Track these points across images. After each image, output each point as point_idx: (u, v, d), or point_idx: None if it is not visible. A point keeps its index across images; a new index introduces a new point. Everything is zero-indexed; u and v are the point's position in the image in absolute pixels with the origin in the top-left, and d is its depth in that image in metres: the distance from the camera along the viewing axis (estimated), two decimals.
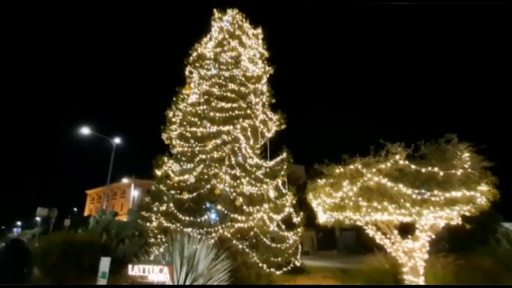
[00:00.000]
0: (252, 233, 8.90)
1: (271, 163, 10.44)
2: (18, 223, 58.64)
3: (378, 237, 7.41)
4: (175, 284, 5.95)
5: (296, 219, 10.52)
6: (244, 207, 8.45)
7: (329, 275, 11.23)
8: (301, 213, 10.44)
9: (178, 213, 8.71)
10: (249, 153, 9.89)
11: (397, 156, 5.74)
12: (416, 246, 6.69)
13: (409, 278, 6.77)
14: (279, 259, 9.73)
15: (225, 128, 9.67)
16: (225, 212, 8.44)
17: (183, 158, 10.02)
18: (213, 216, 9.49)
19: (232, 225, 8.30)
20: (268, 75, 12.56)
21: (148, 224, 9.34)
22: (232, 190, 8.79)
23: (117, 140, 23.11)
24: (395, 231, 6.96)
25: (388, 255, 9.71)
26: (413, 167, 5.65)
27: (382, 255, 9.83)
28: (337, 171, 6.59)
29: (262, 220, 9.06)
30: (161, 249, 7.89)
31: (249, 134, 10.34)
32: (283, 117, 11.89)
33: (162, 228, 9.10)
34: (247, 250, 8.41)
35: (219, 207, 8.54)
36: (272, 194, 10.10)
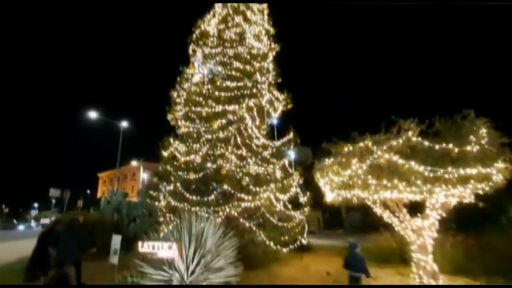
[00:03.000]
0: (259, 212, 8.96)
1: (277, 143, 10.29)
2: (35, 205, 61.19)
3: (386, 216, 7.32)
4: (184, 258, 6.04)
5: (303, 199, 10.52)
6: (251, 187, 8.43)
7: (333, 252, 11.39)
8: (308, 193, 10.42)
9: (185, 193, 8.78)
10: (255, 133, 9.73)
11: (410, 133, 5.49)
12: (426, 224, 6.59)
13: (417, 256, 6.73)
14: (286, 237, 9.87)
15: (231, 108, 9.46)
16: (232, 191, 8.45)
17: (189, 139, 9.95)
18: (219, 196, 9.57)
19: (239, 205, 8.33)
20: (274, 53, 12.09)
21: (156, 203, 9.48)
22: (238, 170, 8.74)
23: (124, 124, 23.28)
24: (404, 210, 6.85)
25: (395, 234, 9.70)
26: (426, 143, 5.41)
27: (389, 234, 9.84)
28: (346, 149, 6.41)
29: (269, 200, 9.07)
30: (170, 227, 8.03)
31: (255, 113, 10.13)
32: (289, 96, 11.59)
33: (171, 207, 9.23)
34: (254, 229, 8.50)
35: (225, 187, 8.54)
36: (278, 174, 10.05)
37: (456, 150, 5.25)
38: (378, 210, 7.56)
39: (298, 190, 10.17)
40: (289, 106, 11.67)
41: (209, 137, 9.36)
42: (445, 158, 5.38)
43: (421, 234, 6.57)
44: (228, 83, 10.01)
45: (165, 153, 10.24)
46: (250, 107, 9.80)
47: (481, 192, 5.55)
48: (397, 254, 9.11)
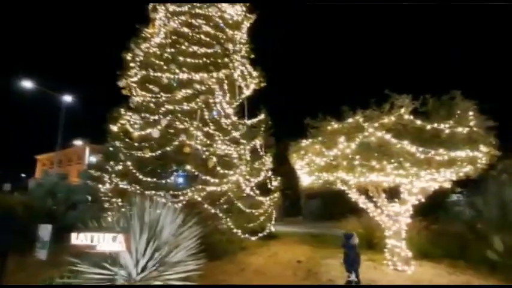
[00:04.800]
0: (225, 197, 7.97)
1: (249, 122, 9.31)
2: None
3: (362, 201, 6.98)
4: (133, 252, 4.91)
5: (273, 184, 9.85)
6: (218, 168, 7.35)
7: (298, 239, 11.11)
8: (279, 178, 9.77)
9: (138, 174, 7.35)
10: (225, 109, 8.57)
11: (402, 110, 4.98)
12: (403, 210, 6.36)
13: (391, 242, 6.53)
14: (253, 225, 9.13)
15: (198, 76, 8.09)
16: (196, 173, 7.28)
17: (145, 110, 8.34)
18: (180, 179, 8.33)
19: (203, 189, 7.22)
20: (249, 24, 10.87)
21: (100, 186, 7.85)
22: (204, 149, 7.55)
23: (67, 98, 19.91)
24: (383, 195, 6.53)
25: (362, 219, 9.61)
26: (418, 122, 4.97)
27: (356, 220, 9.75)
28: (332, 126, 5.74)
29: (238, 184, 8.15)
30: (117, 215, 6.65)
31: (226, 87, 8.92)
32: (263, 74, 10.59)
33: (119, 191, 7.72)
34: (220, 215, 7.51)
35: (188, 167, 7.32)
36: (248, 156, 9.14)
37: (447, 131, 4.91)
38: (354, 195, 7.16)
39: (270, 174, 9.40)
40: (263, 84, 10.71)
41: (170, 107, 7.91)
42: (433, 140, 5.02)
43: (398, 219, 6.34)
44: (196, 48, 8.56)
45: (114, 127, 8.51)
46: (220, 79, 8.55)
47: (463, 176, 5.37)
48: (364, 240, 9.00)
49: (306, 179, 6.60)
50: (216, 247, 6.77)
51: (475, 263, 6.53)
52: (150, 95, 8.34)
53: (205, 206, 7.25)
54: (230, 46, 9.39)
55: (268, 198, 9.71)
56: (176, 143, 7.39)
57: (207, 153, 7.44)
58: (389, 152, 4.92)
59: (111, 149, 8.53)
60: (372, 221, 8.84)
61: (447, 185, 5.75)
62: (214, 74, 8.17)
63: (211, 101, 8.15)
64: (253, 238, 8.53)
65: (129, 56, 8.79)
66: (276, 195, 9.73)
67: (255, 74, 10.36)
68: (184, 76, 8.02)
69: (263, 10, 11.22)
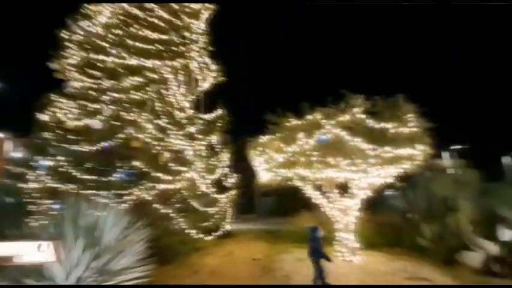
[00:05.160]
0: (178, 195, 7.42)
1: (206, 117, 8.86)
2: None
3: (315, 197, 7.25)
4: (66, 262, 4.21)
5: (229, 182, 9.58)
6: (172, 165, 6.78)
7: (253, 236, 11.11)
8: (237, 175, 9.55)
9: (74, 171, 6.34)
10: (180, 101, 7.97)
11: (356, 109, 5.26)
12: (353, 204, 6.77)
13: (340, 235, 6.91)
14: (208, 224, 8.75)
15: (149, 63, 7.33)
16: (145, 170, 6.58)
17: (84, 97, 7.22)
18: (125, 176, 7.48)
19: (154, 187, 6.59)
20: (208, 14, 10.35)
21: (24, 185, 6.57)
22: (156, 143, 6.89)
23: None
24: (336, 190, 6.87)
25: (316, 215, 10.11)
26: (369, 121, 5.31)
27: (310, 215, 10.20)
28: (288, 124, 5.77)
29: (192, 181, 7.67)
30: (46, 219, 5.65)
31: (181, 78, 8.31)
32: (222, 69, 10.22)
33: (49, 191, 6.56)
34: (173, 215, 6.96)
35: (136, 163, 6.58)
36: (204, 152, 8.70)
37: (392, 130, 5.35)
38: (309, 191, 7.39)
39: (227, 171, 9.11)
40: (221, 79, 10.32)
41: (116, 95, 7.00)
42: (381, 138, 5.42)
43: (348, 213, 6.74)
44: (149, 32, 7.75)
45: (43, 116, 7.20)
46: (175, 68, 7.91)
47: (404, 172, 5.93)
48: None
49: (264, 176, 6.54)
50: (167, 250, 6.25)
51: (408, 249, 7.30)
52: (90, 81, 7.26)
53: (156, 205, 6.63)
54: (187, 34, 8.79)
55: (224, 196, 9.44)
56: (122, 135, 6.58)
57: (158, 148, 6.80)
58: (343, 148, 5.15)
59: (39, 141, 7.21)
60: (323, 215, 9.36)
61: (390, 180, 6.30)
62: (169, 63, 7.52)
63: (164, 91, 7.48)
64: (208, 238, 8.16)
65: (65, 35, 7.53)
66: (233, 192, 9.50)
67: (213, 67, 9.93)
68: (133, 62, 7.18)
69: (226, 3, 10.84)
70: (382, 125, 5.33)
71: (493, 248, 5.53)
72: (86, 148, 6.47)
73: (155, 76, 7.33)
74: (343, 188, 7.16)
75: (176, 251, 6.97)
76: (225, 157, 9.67)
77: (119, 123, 6.72)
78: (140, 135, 6.71)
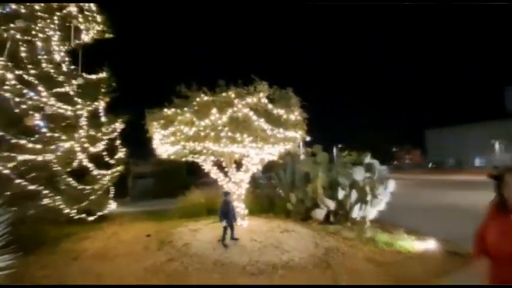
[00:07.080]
0: (48, 169, 5.83)
1: (88, 77, 7.23)
2: None
3: (214, 172, 7.80)
4: None
5: (116, 157, 8.35)
6: (44, 130, 5.26)
7: (136, 218, 10.45)
8: (125, 149, 8.43)
9: None
10: (53, 52, 6.13)
11: (261, 94, 6.08)
12: (245, 177, 7.79)
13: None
14: (84, 204, 7.43)
15: None
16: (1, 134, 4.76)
17: None
18: None
19: (14, 157, 4.91)
20: None
21: None
22: (18, 100, 5.09)
23: None
24: (234, 165, 7.64)
25: (204, 192, 10.87)
26: (270, 106, 6.29)
27: (199, 192, 10.82)
28: (198, 99, 5.89)
29: (69, 152, 6.20)
30: None
31: (57, 21, 6.36)
32: (109, 23, 8.57)
33: None
34: (41, 193, 5.47)
35: None
36: (85, 121, 7.15)
37: (284, 116, 6.60)
38: (207, 166, 7.84)
39: (116, 143, 7.94)
40: (108, 35, 8.63)
41: None
42: (276, 121, 6.57)
43: (241, 185, 7.69)
44: None
45: None
46: (47, 8, 5.95)
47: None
48: (205, 209, 10.07)
49: (168, 149, 6.32)
50: (35, 236, 4.95)
51: (278, 213, 9.31)
52: None
53: (19, 181, 5.01)
54: None
55: (107, 172, 8.20)
56: None
57: (23, 106, 5.07)
58: (249, 127, 5.88)
59: None
60: (211, 192, 10.18)
61: (275, 158, 7.77)
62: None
63: (32, 32, 5.54)
64: (90, 219, 7.00)
65: None
66: (118, 168, 8.38)
67: (99, 18, 8.15)
68: None
69: None
70: (278, 110, 6.47)
71: (331, 205, 8.03)
72: None
73: (20, 11, 5.27)
74: (238, 164, 8.08)
75: (43, 237, 5.64)
76: (111, 129, 8.35)
77: None
78: None
